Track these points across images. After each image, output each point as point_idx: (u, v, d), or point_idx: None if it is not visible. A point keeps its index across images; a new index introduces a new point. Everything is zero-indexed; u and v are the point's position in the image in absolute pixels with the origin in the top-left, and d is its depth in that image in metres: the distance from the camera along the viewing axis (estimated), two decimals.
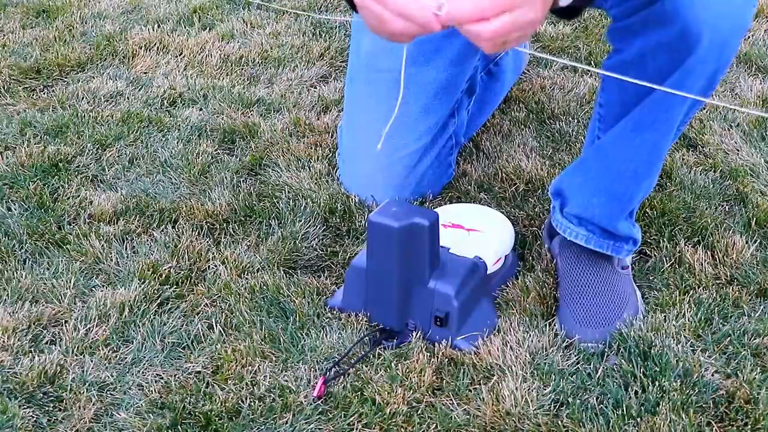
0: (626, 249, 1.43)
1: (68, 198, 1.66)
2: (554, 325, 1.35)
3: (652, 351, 1.27)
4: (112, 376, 1.26)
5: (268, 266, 1.48)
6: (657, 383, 1.22)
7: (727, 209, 1.64)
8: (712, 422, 1.18)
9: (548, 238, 1.54)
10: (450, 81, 1.64)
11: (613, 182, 1.38)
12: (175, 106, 2.02)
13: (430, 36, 1.10)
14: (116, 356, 1.30)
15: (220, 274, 1.46)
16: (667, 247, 1.51)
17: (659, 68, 1.23)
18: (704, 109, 1.92)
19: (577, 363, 1.28)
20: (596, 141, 1.41)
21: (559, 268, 1.45)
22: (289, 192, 1.67)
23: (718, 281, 1.45)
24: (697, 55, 1.20)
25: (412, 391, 1.22)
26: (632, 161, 1.35)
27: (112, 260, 1.49)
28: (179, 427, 1.17)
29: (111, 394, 1.23)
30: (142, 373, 1.27)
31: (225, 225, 1.59)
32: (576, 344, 1.31)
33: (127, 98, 2.04)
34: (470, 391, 1.23)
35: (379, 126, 1.65)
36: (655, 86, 1.14)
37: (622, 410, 1.18)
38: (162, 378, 1.26)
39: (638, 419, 1.17)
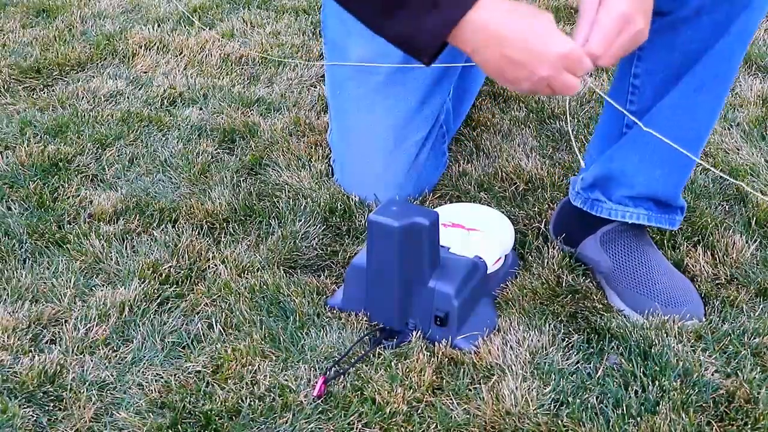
0: (677, 219, 1.43)
1: (68, 197, 1.66)
2: (551, 324, 1.35)
3: (653, 350, 1.27)
4: (112, 376, 1.26)
5: (268, 266, 1.48)
6: (657, 383, 1.22)
7: (727, 209, 1.64)
8: (712, 422, 1.18)
9: (573, 244, 1.48)
10: (444, 71, 1.66)
11: (675, 149, 1.33)
12: (175, 106, 2.02)
13: None
14: (116, 356, 1.30)
15: (220, 274, 1.46)
16: (667, 246, 1.51)
17: (715, 22, 1.21)
18: None
19: (577, 363, 1.28)
20: (631, 115, 1.35)
21: (612, 266, 1.41)
22: (289, 191, 1.67)
23: (717, 281, 1.44)
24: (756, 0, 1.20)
25: (412, 391, 1.22)
26: (696, 121, 1.32)
27: (112, 260, 1.49)
28: (179, 426, 1.17)
29: (111, 394, 1.23)
30: (142, 372, 1.27)
31: (225, 224, 1.59)
32: (674, 322, 1.32)
33: (127, 98, 2.04)
34: (470, 390, 1.23)
35: (378, 127, 1.66)
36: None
37: (622, 410, 1.18)
38: (162, 377, 1.26)
39: (638, 419, 1.17)
